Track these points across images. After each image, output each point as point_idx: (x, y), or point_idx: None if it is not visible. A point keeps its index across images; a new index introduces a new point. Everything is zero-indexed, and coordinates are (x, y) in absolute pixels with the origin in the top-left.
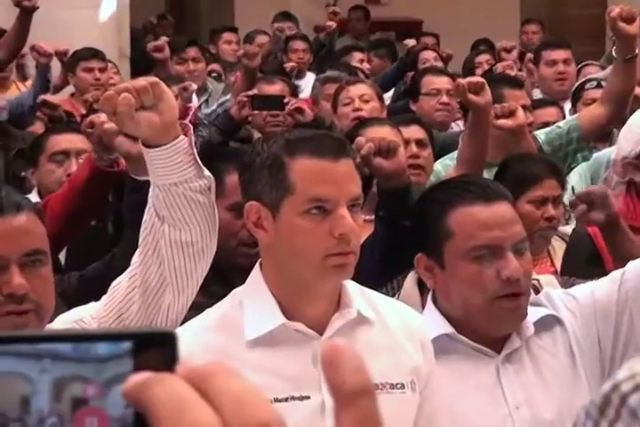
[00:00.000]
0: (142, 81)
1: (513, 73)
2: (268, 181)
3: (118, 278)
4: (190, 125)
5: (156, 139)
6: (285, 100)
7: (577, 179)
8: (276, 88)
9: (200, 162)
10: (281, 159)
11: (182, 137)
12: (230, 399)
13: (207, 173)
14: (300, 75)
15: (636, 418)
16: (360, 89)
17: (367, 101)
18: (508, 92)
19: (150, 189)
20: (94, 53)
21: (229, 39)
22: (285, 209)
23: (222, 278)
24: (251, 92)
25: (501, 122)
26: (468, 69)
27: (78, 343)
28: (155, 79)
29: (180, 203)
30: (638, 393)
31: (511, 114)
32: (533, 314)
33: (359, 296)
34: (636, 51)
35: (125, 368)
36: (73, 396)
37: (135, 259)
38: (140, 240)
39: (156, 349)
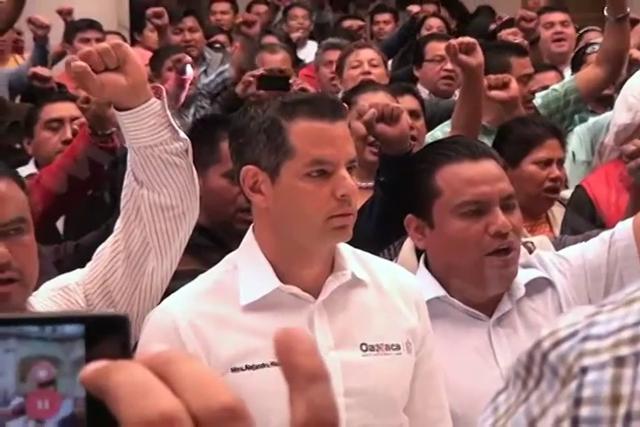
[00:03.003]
0: (104, 43)
1: (518, 40)
2: (265, 144)
3: (102, 245)
4: (162, 88)
5: (126, 101)
6: (291, 81)
7: (577, 143)
8: (278, 57)
9: (175, 124)
10: (278, 122)
11: (154, 99)
12: (191, 384)
13: (183, 135)
14: (302, 43)
15: (557, 374)
16: (369, 53)
17: (375, 66)
18: (515, 61)
19: (128, 154)
20: (90, 24)
21: (223, 9)
22: (285, 172)
23: (221, 246)
24: (257, 72)
25: (494, 93)
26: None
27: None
28: (118, 41)
29: (156, 166)
30: (557, 350)
31: (505, 86)
32: (525, 276)
33: (353, 259)
34: (627, 10)
35: (81, 351)
36: (38, 376)
37: (118, 225)
38: (122, 206)
39: (108, 332)
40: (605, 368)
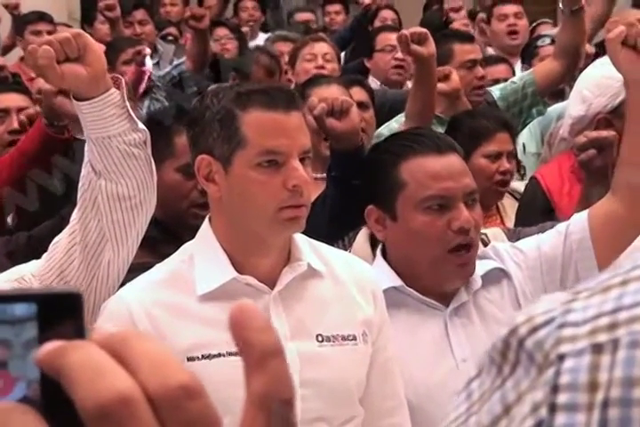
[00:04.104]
0: (65, 33)
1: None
2: (219, 134)
3: (58, 236)
4: (122, 78)
5: (86, 91)
6: None
7: (527, 135)
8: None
9: (134, 115)
10: (232, 112)
11: (113, 90)
12: (147, 362)
13: (142, 126)
14: (253, 35)
15: (533, 361)
16: (323, 47)
17: (329, 61)
18: (457, 47)
19: (86, 144)
20: (41, 16)
21: (173, 1)
22: (238, 162)
23: (173, 239)
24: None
25: (437, 86)
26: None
27: None
28: (78, 31)
29: (114, 156)
30: (533, 336)
31: (445, 78)
32: (481, 267)
33: (309, 249)
34: (582, 2)
35: (34, 331)
36: None
37: (74, 215)
38: (79, 196)
39: (61, 310)
40: (583, 355)
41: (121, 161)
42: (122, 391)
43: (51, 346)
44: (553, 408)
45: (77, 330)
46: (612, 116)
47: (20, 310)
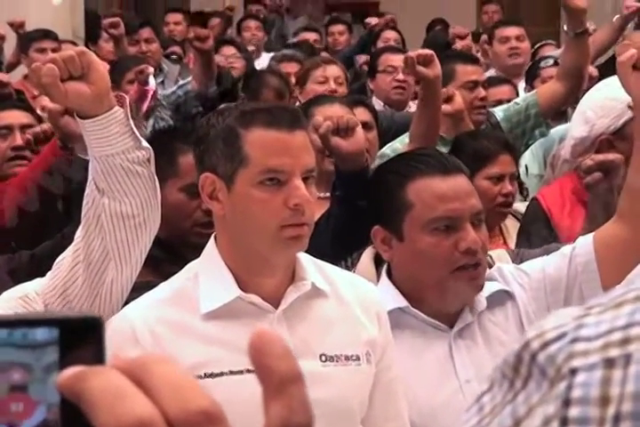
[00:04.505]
0: (69, 51)
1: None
2: (222, 152)
3: (62, 254)
4: (126, 96)
5: (90, 109)
6: None
7: (530, 157)
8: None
9: (138, 133)
10: (236, 131)
11: (117, 108)
12: (167, 387)
13: (146, 144)
14: (257, 54)
15: (545, 375)
16: (335, 71)
17: (341, 84)
18: (460, 68)
19: (89, 162)
20: (46, 34)
21: (176, 20)
22: (240, 180)
23: (176, 259)
24: None
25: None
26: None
27: (10, 329)
28: (82, 48)
29: (118, 174)
30: (546, 351)
31: (449, 99)
32: (486, 289)
33: (313, 269)
34: (587, 25)
35: (54, 355)
36: (9, 381)
37: (78, 234)
38: (83, 215)
39: (82, 335)
40: (595, 370)
41: (124, 179)
42: (142, 417)
43: (72, 371)
44: (565, 422)
45: (98, 354)
46: (615, 138)
47: (42, 334)
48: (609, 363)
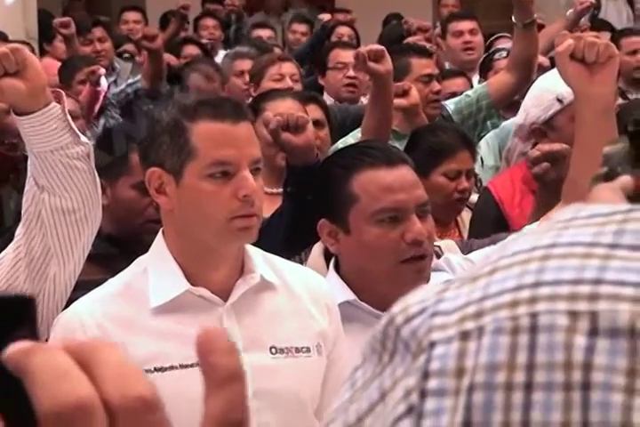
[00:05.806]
0: (2, 47)
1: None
2: (169, 146)
3: (4, 251)
4: (63, 92)
5: (26, 106)
6: None
7: (485, 149)
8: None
9: (76, 129)
10: (182, 124)
11: (54, 104)
12: (110, 373)
13: (84, 139)
14: (215, 53)
15: (408, 349)
16: (290, 68)
17: (296, 81)
18: (415, 61)
19: (28, 158)
20: None
21: (135, 19)
22: (188, 173)
23: (129, 255)
24: None
25: (396, 101)
26: None
27: None
28: (16, 45)
29: (57, 170)
30: (408, 325)
31: (405, 93)
32: (433, 280)
33: (262, 262)
34: (535, 15)
35: None
36: None
37: (19, 230)
38: (23, 211)
39: (13, 314)
40: (451, 342)
41: (64, 174)
42: (81, 397)
43: (20, 345)
44: (423, 394)
45: (31, 334)
46: (546, 128)
47: None
48: (464, 335)
